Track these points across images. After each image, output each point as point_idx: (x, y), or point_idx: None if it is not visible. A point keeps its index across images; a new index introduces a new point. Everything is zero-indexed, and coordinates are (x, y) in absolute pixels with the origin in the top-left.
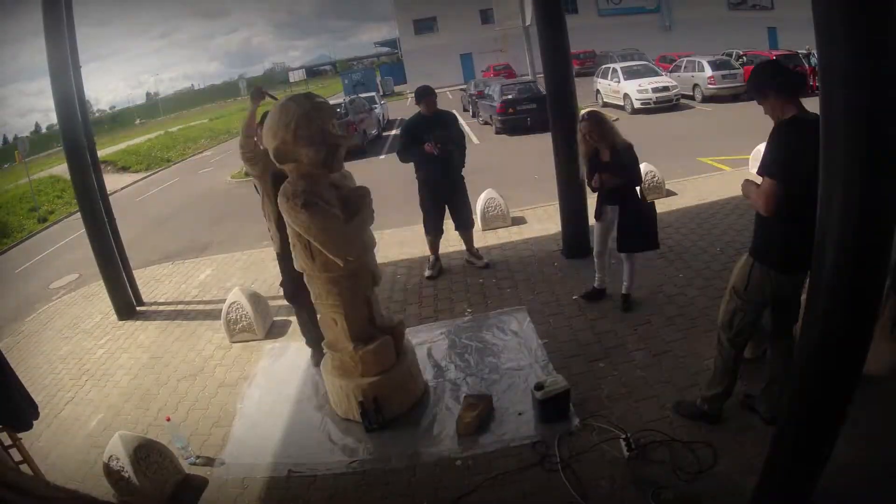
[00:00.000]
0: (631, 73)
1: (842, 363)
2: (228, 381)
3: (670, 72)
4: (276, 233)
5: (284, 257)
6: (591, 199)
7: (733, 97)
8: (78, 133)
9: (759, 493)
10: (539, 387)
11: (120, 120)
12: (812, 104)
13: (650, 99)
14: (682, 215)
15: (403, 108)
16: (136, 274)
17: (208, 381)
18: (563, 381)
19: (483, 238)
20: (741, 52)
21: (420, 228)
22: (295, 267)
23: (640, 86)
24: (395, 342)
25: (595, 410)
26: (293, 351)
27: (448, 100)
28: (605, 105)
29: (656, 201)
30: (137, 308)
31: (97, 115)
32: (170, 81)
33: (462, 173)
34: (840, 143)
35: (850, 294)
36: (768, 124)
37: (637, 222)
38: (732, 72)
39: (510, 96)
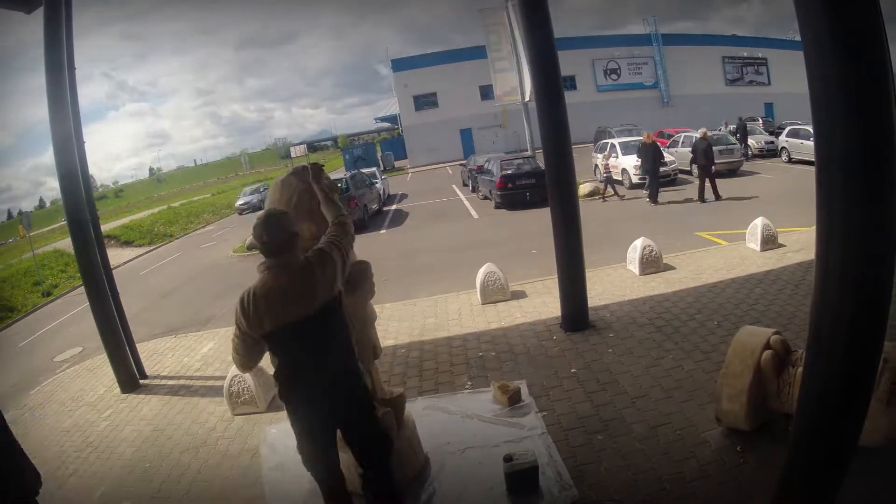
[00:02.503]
0: (629, 149)
1: (838, 433)
2: (231, 453)
3: (668, 147)
4: None
5: None
6: (591, 273)
7: (730, 172)
8: (81, 208)
9: None
10: (508, 459)
11: (124, 196)
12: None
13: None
14: (680, 289)
15: (404, 182)
16: (140, 347)
17: (211, 454)
18: (534, 455)
19: (483, 312)
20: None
21: (420, 302)
22: None
23: (637, 161)
24: (395, 415)
25: (594, 483)
26: None
27: (448, 174)
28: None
29: (654, 275)
30: (140, 381)
31: (100, 189)
32: (171, 156)
33: None
34: (836, 216)
35: (846, 364)
36: (764, 199)
37: None
38: (730, 147)
39: (509, 171)
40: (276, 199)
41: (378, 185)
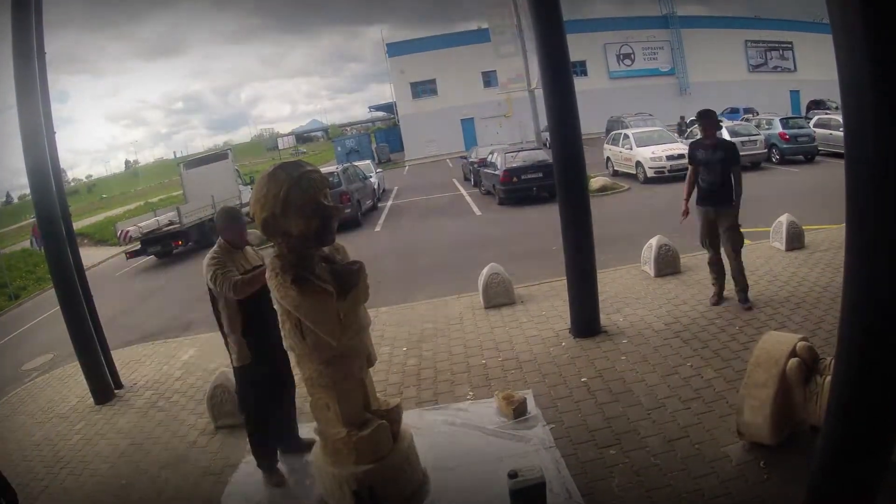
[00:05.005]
0: (644, 140)
1: (869, 448)
2: (213, 468)
3: (686, 138)
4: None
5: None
6: (603, 274)
7: (753, 165)
8: (52, 204)
9: None
10: (513, 475)
11: (97, 191)
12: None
13: (664, 167)
14: (699, 291)
15: (400, 176)
16: (115, 354)
17: (191, 470)
18: (541, 471)
19: (486, 316)
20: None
21: (418, 306)
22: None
23: (653, 153)
24: (391, 427)
25: (605, 501)
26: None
27: (448, 168)
28: (616, 174)
29: (670, 276)
30: (115, 391)
31: (72, 184)
32: (150, 149)
33: None
34: (868, 213)
35: (878, 372)
36: (789, 194)
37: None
38: (752, 138)
39: (515, 164)
40: (263, 194)
41: (372, 180)
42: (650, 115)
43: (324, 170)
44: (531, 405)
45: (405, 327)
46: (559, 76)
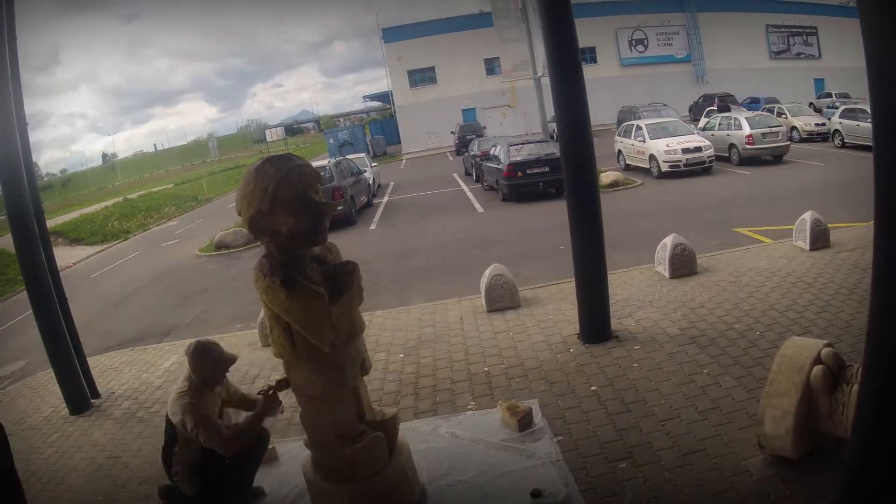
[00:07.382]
0: (657, 131)
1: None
2: None
3: (703, 130)
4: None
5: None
6: (614, 276)
7: (775, 158)
8: (23, 200)
9: None
10: (536, 494)
11: (72, 186)
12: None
13: (680, 161)
14: (717, 294)
15: (397, 171)
16: (91, 362)
17: None
18: (566, 495)
19: (488, 320)
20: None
21: (416, 309)
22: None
23: (668, 146)
24: (387, 439)
25: None
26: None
27: (448, 161)
28: (628, 168)
29: (686, 278)
30: (92, 401)
31: (45, 178)
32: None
33: None
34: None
35: None
36: (815, 189)
37: None
38: (774, 130)
39: (519, 158)
40: (250, 189)
41: (367, 174)
42: (664, 104)
43: (315, 164)
44: (537, 416)
45: (402, 332)
46: (567, 63)
